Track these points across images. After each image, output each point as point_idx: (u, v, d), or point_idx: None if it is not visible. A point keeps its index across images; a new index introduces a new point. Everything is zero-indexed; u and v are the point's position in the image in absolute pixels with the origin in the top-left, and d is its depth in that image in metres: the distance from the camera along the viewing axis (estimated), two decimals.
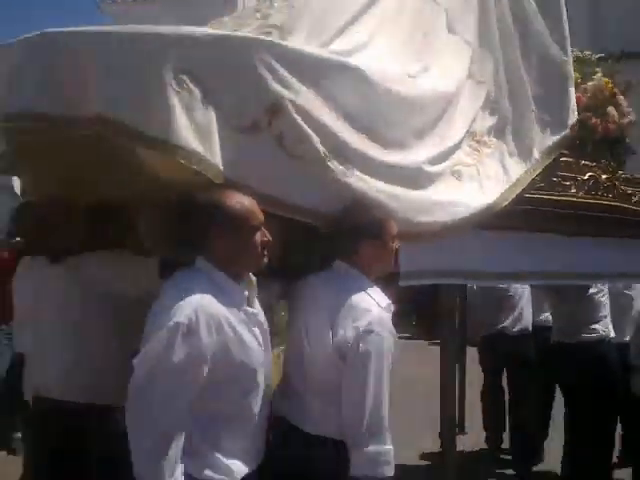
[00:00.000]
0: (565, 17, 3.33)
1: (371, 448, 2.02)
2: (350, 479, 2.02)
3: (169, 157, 1.87)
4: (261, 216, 1.96)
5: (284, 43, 2.17)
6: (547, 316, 5.05)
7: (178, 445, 1.76)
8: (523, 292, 5.10)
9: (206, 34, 2.01)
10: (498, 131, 2.95)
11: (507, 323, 5.04)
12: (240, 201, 1.93)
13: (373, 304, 2.11)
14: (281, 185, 2.08)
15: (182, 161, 1.86)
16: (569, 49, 3.27)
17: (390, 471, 2.05)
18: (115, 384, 2.31)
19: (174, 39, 1.92)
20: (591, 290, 4.19)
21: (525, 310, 5.14)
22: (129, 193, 2.42)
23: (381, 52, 2.63)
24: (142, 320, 1.89)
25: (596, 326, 4.21)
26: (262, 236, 1.97)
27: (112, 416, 2.40)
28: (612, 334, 4.29)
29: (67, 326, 2.54)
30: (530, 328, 5.13)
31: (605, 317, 4.27)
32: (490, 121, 2.92)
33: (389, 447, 2.06)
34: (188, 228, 1.96)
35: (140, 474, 1.74)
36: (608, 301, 4.32)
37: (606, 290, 4.31)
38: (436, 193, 2.54)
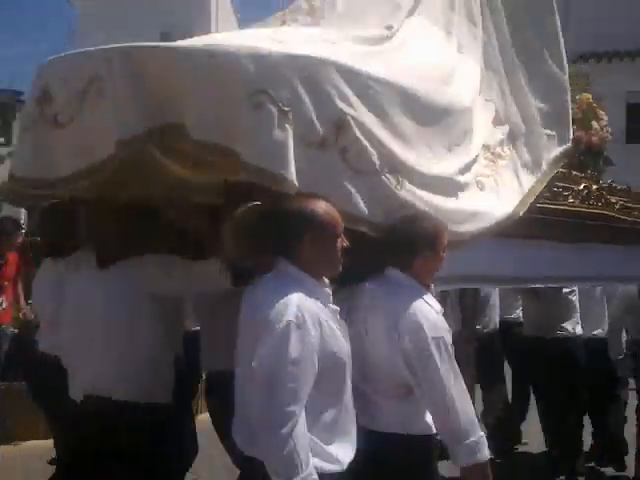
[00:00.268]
0: (561, 35, 3.62)
1: (470, 440, 2.25)
2: (461, 471, 2.30)
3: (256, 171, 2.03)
4: (342, 223, 2.12)
5: (346, 62, 2.30)
6: (518, 312, 5.65)
7: (306, 436, 1.89)
8: (490, 293, 5.47)
9: (281, 54, 2.13)
10: (510, 143, 3.15)
11: (481, 325, 5.32)
12: (327, 210, 2.09)
13: (432, 311, 2.31)
14: (344, 197, 2.21)
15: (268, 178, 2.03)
16: (566, 66, 3.54)
17: (487, 454, 2.29)
18: (160, 382, 2.66)
19: (250, 58, 2.06)
20: (564, 290, 4.66)
21: (493, 310, 5.60)
22: (174, 197, 2.63)
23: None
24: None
25: (566, 324, 4.78)
26: (342, 242, 2.12)
27: (158, 413, 2.64)
28: (580, 331, 4.88)
29: (115, 327, 2.65)
30: (497, 326, 5.64)
31: (575, 315, 4.84)
32: (501, 135, 3.10)
33: (481, 433, 2.29)
34: (272, 235, 2.08)
35: (278, 470, 1.86)
36: (577, 301, 4.87)
37: (576, 290, 4.84)
38: (465, 203, 2.70)
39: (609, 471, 5.27)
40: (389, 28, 2.82)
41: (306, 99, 2.12)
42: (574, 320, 4.88)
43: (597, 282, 4.50)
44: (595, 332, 5.25)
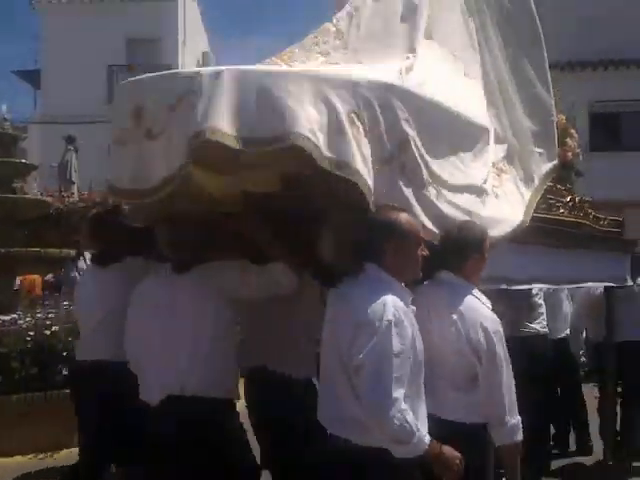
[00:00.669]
0: (547, 64, 4.12)
1: (512, 421, 2.64)
2: (497, 450, 2.66)
3: (350, 179, 2.35)
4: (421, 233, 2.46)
5: (406, 87, 2.68)
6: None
7: (410, 412, 2.24)
8: None
9: (366, 80, 2.51)
10: (509, 160, 3.51)
11: None
12: (409, 221, 2.43)
13: (487, 308, 2.70)
14: (404, 206, 2.55)
15: (359, 184, 2.37)
16: (551, 90, 4.00)
17: (521, 435, 2.67)
18: (235, 380, 2.96)
19: (344, 83, 2.45)
20: (533, 291, 5.00)
21: None
22: (242, 209, 2.94)
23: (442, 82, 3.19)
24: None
25: (534, 324, 5.07)
26: (421, 250, 2.44)
27: (231, 409, 2.91)
28: (546, 330, 5.15)
29: (200, 329, 2.86)
30: None
31: (541, 315, 5.11)
32: (502, 152, 3.46)
33: (519, 417, 2.66)
34: (364, 243, 2.44)
35: (397, 438, 2.24)
36: (543, 302, 5.14)
37: (542, 293, 5.14)
38: (491, 210, 3.06)
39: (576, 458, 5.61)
40: (412, 53, 3.16)
41: (381, 120, 2.50)
42: (540, 320, 5.13)
43: (577, 284, 4.87)
44: (561, 335, 5.60)
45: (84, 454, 3.53)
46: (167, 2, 19.38)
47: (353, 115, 2.40)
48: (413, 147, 2.59)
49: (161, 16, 19.01)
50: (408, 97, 2.63)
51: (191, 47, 20.30)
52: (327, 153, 2.31)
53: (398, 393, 2.21)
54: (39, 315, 6.42)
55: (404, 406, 2.21)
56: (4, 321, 6.15)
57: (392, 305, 2.27)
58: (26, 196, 7.56)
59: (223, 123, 2.28)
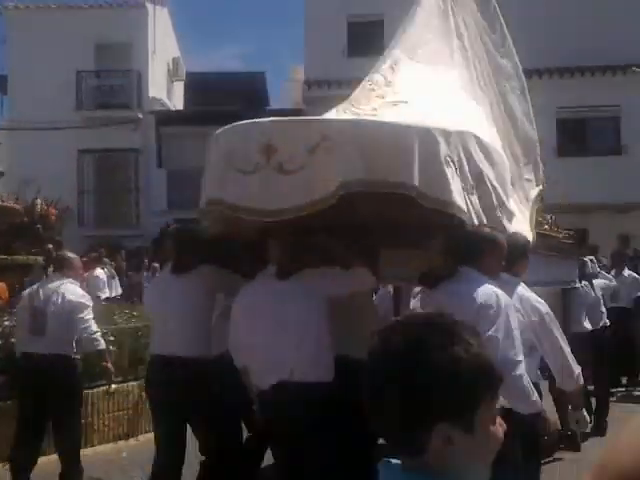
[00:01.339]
0: (530, 105, 4.96)
1: (577, 371, 3.45)
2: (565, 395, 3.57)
3: (447, 210, 3.15)
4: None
5: (475, 133, 3.46)
6: None
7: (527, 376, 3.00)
8: None
9: (455, 131, 3.30)
10: (512, 185, 4.12)
11: None
12: (501, 237, 3.30)
13: (532, 293, 3.49)
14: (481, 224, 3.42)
15: (457, 213, 3.17)
16: (534, 124, 4.89)
17: (582, 380, 3.57)
18: (329, 364, 3.42)
19: (441, 134, 3.17)
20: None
21: None
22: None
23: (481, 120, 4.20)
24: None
25: None
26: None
27: (329, 390, 3.35)
28: None
29: (304, 324, 3.37)
30: None
31: None
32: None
33: (579, 367, 3.47)
34: (465, 251, 3.18)
35: (523, 393, 2.93)
36: None
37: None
38: (515, 226, 3.78)
39: None
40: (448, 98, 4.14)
41: (464, 160, 3.23)
42: None
43: (553, 285, 5.58)
44: None
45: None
46: (137, 8, 19.27)
47: (448, 158, 3.13)
48: (487, 180, 3.40)
49: (131, 22, 18.86)
50: (478, 141, 3.44)
51: (161, 53, 20.18)
52: (433, 195, 3.10)
53: (520, 357, 2.95)
54: (7, 323, 6.32)
55: (525, 371, 2.94)
56: None
57: (500, 294, 3.03)
58: None
59: (356, 171, 3.00)
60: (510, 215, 3.74)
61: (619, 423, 6.82)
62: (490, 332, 2.83)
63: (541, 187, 4.85)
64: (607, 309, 9.26)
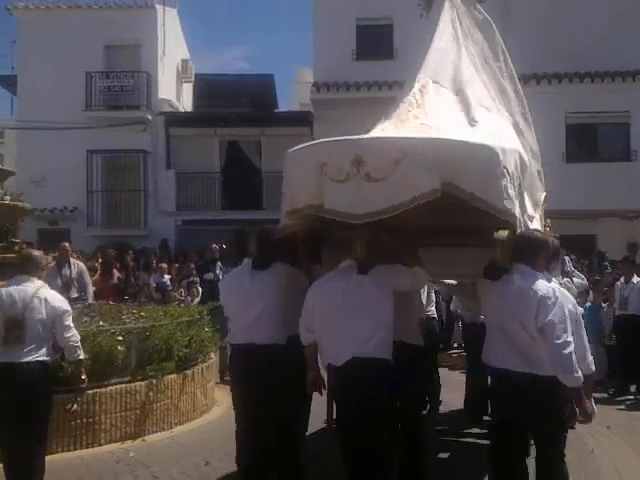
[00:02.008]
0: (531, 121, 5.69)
1: (589, 357, 3.97)
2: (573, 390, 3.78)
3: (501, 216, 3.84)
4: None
5: (519, 149, 4.30)
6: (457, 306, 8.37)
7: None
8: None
9: (510, 149, 4.03)
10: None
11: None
12: (554, 241, 4.30)
13: (568, 292, 4.13)
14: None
15: (510, 219, 3.88)
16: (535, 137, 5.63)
17: (594, 367, 4.04)
18: (391, 345, 4.09)
19: (500, 151, 3.85)
20: None
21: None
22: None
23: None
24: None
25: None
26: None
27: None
28: None
29: (378, 311, 4.05)
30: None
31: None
32: None
33: (592, 355, 4.03)
34: (523, 250, 3.90)
35: (568, 368, 3.63)
36: None
37: None
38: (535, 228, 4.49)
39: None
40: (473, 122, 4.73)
41: (513, 173, 3.88)
42: None
43: None
44: None
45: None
46: (146, 9, 19.31)
47: (504, 169, 3.80)
48: (523, 189, 4.12)
49: (140, 23, 18.90)
50: (520, 156, 4.14)
51: (170, 54, 20.22)
52: (493, 203, 3.76)
53: (570, 339, 3.66)
54: None
55: (573, 348, 3.67)
56: None
57: (557, 288, 3.84)
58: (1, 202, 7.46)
59: (433, 182, 3.61)
60: (532, 219, 4.35)
61: (628, 431, 6.80)
62: (549, 317, 3.66)
63: (545, 193, 5.35)
64: (615, 317, 9.31)
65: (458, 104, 4.85)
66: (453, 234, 4.94)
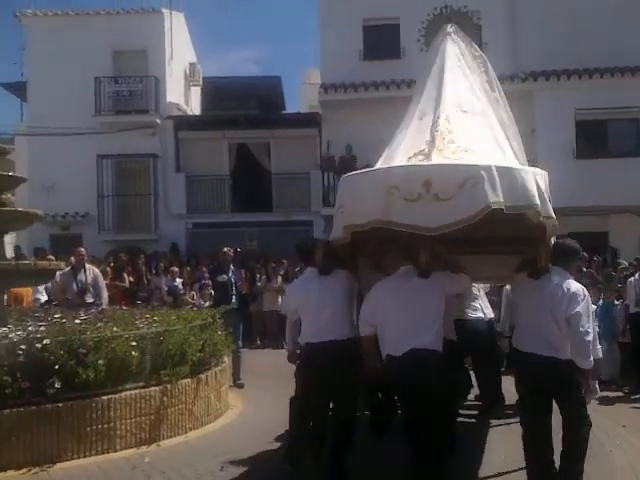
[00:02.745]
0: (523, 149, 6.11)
1: (598, 346, 4.84)
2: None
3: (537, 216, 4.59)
4: None
5: (542, 171, 4.93)
6: None
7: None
8: None
9: (542, 172, 4.86)
10: None
11: None
12: (580, 248, 5.03)
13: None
14: None
15: (555, 228, 4.87)
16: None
17: (601, 354, 4.92)
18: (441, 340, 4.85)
19: (538, 172, 4.78)
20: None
21: None
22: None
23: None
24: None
25: (468, 309, 7.17)
26: None
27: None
28: (482, 315, 7.35)
29: (433, 309, 4.78)
30: None
31: (475, 300, 7.32)
32: None
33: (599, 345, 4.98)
34: (559, 255, 4.78)
35: (588, 353, 4.50)
36: (479, 292, 7.50)
37: (477, 285, 7.27)
38: None
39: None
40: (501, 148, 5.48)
41: (542, 185, 4.71)
42: (475, 306, 7.30)
43: None
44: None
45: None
46: (153, 13, 19.37)
47: (544, 188, 4.72)
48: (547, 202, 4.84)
49: (147, 27, 18.96)
50: (544, 174, 4.87)
51: (178, 58, 20.27)
52: (545, 214, 4.64)
53: (591, 330, 4.54)
54: (30, 328, 6.38)
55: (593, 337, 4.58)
56: None
57: (583, 288, 4.68)
58: (13, 208, 7.50)
59: (491, 200, 4.35)
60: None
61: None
62: (576, 309, 4.48)
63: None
64: (630, 314, 9.22)
65: (483, 126, 5.61)
66: (478, 244, 5.73)
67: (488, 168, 4.45)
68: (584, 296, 4.56)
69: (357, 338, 5.05)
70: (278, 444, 6.21)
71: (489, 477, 5.35)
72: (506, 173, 4.51)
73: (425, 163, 4.82)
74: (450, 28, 6.27)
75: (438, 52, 6.15)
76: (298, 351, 5.42)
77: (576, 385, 4.57)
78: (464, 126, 5.35)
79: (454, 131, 5.23)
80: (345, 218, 4.93)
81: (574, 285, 4.61)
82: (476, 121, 5.58)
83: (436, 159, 4.88)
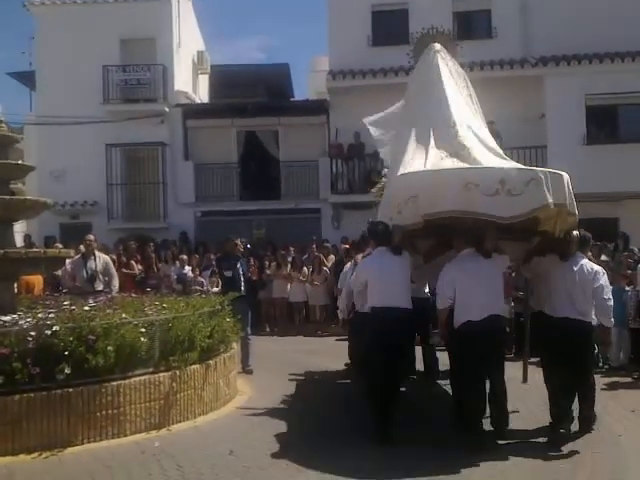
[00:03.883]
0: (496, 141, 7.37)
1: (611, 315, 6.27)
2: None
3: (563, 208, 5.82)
4: None
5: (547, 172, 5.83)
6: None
7: None
8: None
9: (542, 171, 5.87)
10: None
11: None
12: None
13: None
14: None
15: (569, 210, 5.90)
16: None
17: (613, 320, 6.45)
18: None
19: (568, 177, 5.93)
20: None
21: None
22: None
23: None
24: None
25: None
26: None
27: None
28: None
29: (494, 285, 6.07)
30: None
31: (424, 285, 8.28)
32: None
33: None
34: (582, 243, 6.24)
35: (610, 314, 6.14)
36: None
37: None
38: None
39: None
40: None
41: (571, 187, 5.88)
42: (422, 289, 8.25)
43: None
44: None
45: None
46: (161, 2, 19.29)
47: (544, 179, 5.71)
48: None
49: (155, 15, 18.90)
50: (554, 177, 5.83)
51: (186, 46, 20.22)
52: (574, 209, 5.89)
53: (610, 296, 6.03)
54: (40, 315, 6.43)
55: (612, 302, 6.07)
56: (5, 322, 6.15)
57: (601, 268, 6.14)
58: (22, 197, 7.53)
59: (548, 197, 5.53)
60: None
61: None
62: (600, 282, 5.96)
63: None
64: None
65: (488, 135, 6.87)
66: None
67: (543, 171, 5.66)
68: (603, 273, 6.08)
69: (411, 308, 6.35)
70: (285, 429, 6.27)
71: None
72: (553, 176, 5.63)
73: (501, 166, 5.99)
74: (437, 47, 7.48)
75: (432, 66, 7.32)
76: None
77: (591, 343, 6.27)
78: (475, 134, 6.62)
79: (467, 138, 6.48)
80: (420, 207, 5.81)
81: (595, 265, 6.15)
82: (483, 132, 6.82)
83: (477, 159, 6.11)
